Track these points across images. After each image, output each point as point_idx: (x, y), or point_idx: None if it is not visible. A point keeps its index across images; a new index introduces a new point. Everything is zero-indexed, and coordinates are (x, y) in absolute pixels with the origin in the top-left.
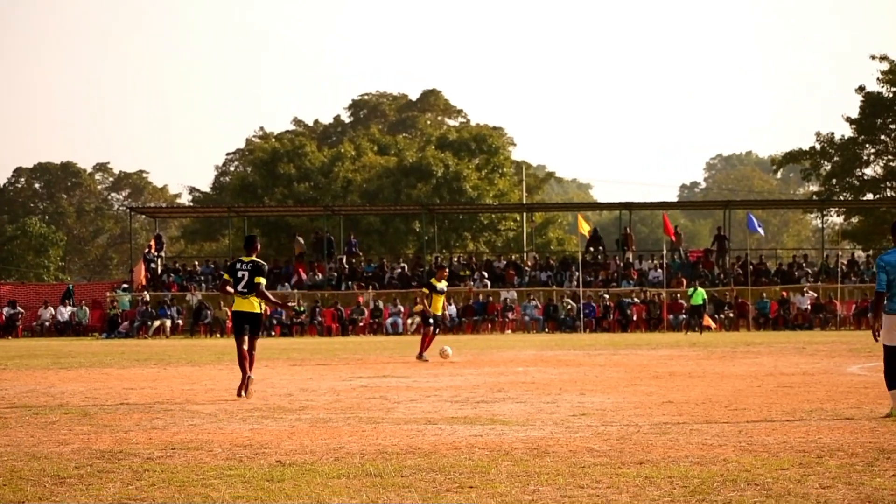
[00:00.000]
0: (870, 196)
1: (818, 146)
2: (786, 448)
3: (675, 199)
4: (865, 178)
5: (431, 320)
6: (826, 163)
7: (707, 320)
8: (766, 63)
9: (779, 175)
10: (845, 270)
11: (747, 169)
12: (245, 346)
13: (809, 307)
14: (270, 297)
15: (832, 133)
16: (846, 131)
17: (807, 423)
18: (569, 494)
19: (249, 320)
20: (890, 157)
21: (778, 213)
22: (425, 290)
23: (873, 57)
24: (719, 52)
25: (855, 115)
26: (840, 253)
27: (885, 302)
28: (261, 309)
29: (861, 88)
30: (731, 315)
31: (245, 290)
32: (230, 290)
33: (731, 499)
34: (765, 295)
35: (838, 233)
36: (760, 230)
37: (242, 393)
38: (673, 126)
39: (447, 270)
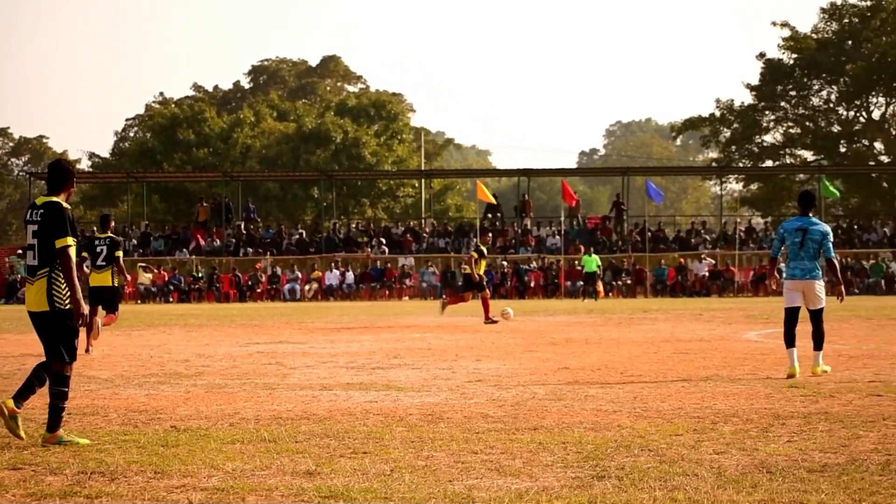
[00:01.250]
0: (769, 163)
1: (718, 113)
2: (680, 414)
3: (574, 165)
4: (765, 144)
5: (485, 282)
6: (725, 130)
7: (599, 286)
8: (666, 29)
9: (678, 142)
10: (743, 237)
11: (646, 136)
12: (98, 319)
13: (707, 274)
14: (124, 268)
15: (732, 100)
16: (746, 98)
17: (702, 389)
18: (462, 460)
19: (105, 294)
20: (790, 124)
21: (677, 180)
22: (475, 255)
23: (774, 23)
24: (618, 18)
25: (755, 81)
26: (738, 220)
27: (784, 268)
28: (115, 283)
29: (762, 55)
30: (629, 282)
31: (103, 264)
32: (87, 270)
33: (625, 464)
34: (663, 262)
35: (737, 200)
36: (659, 197)
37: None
38: (572, 93)
39: (489, 235)
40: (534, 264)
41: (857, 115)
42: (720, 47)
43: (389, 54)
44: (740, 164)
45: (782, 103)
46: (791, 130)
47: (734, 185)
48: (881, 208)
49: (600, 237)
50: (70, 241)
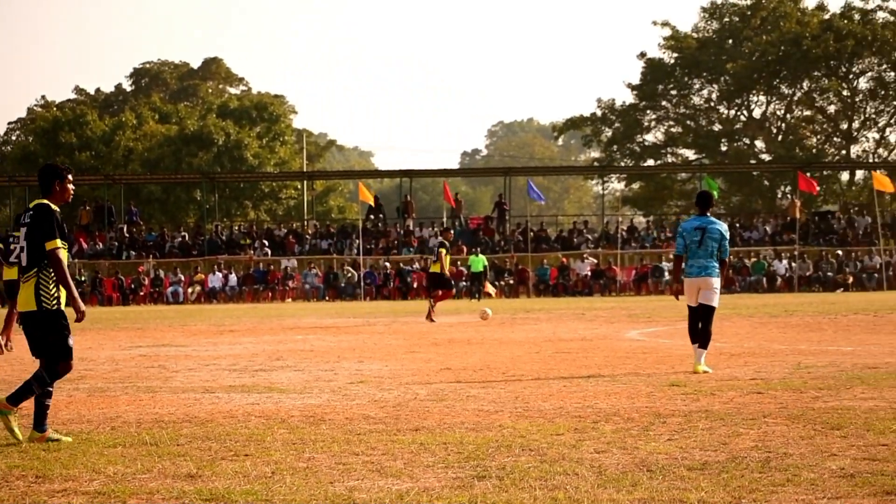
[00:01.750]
0: (650, 162)
1: (599, 113)
2: (562, 413)
3: (456, 166)
4: (646, 144)
5: (452, 282)
6: (607, 129)
7: (487, 287)
8: (547, 29)
9: (560, 142)
10: (625, 236)
11: (528, 136)
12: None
13: (589, 273)
14: None
15: (613, 100)
16: (627, 98)
17: (584, 388)
18: (344, 461)
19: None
20: (671, 123)
21: (559, 180)
22: (443, 251)
23: (655, 23)
24: (499, 18)
25: (636, 81)
26: (620, 219)
27: (684, 267)
28: None
29: (642, 55)
30: (512, 282)
31: (16, 261)
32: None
33: (506, 464)
34: (545, 261)
35: (619, 199)
36: (540, 198)
37: None
38: (454, 93)
39: (451, 232)
40: (416, 265)
41: (738, 113)
42: (601, 47)
43: (271, 56)
44: (622, 164)
45: (663, 102)
46: (672, 129)
47: (616, 185)
48: (762, 206)
49: (483, 237)
50: (59, 243)
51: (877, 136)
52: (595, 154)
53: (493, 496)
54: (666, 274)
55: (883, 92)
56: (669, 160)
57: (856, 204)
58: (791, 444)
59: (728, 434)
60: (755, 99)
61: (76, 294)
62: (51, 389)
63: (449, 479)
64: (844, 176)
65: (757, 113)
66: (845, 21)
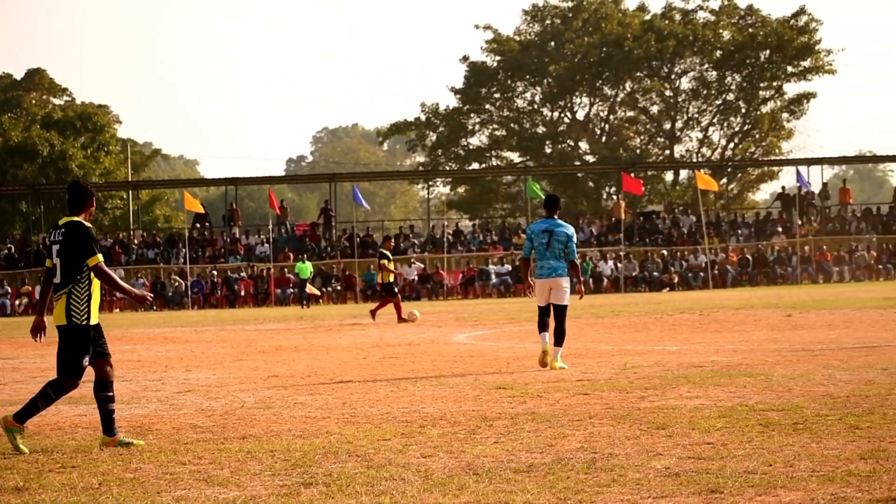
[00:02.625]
0: (475, 165)
1: (423, 117)
2: (389, 418)
3: (281, 173)
4: (471, 147)
5: (396, 288)
6: (432, 133)
7: (311, 288)
8: (371, 34)
9: (385, 147)
10: (451, 240)
11: (353, 141)
12: None
13: (416, 278)
14: None
15: (437, 104)
16: (451, 101)
17: (411, 393)
18: (171, 471)
19: None
20: (495, 126)
21: (385, 185)
22: (385, 261)
23: (477, 26)
24: (323, 22)
25: (460, 85)
26: (446, 223)
27: (534, 268)
28: None
29: (465, 58)
30: (339, 287)
31: None
32: None
33: (332, 470)
34: (372, 267)
35: (444, 203)
36: (365, 203)
37: None
38: (278, 100)
39: (391, 241)
40: (243, 273)
41: (562, 115)
42: (424, 51)
43: (94, 66)
44: (447, 168)
45: (487, 106)
46: (496, 132)
47: (441, 189)
48: (587, 207)
49: (309, 244)
50: (100, 257)
51: (700, 135)
52: (420, 158)
53: (319, 503)
54: (493, 277)
55: (705, 91)
56: (494, 163)
57: (680, 203)
58: (617, 444)
59: (554, 436)
60: (578, 100)
61: (133, 290)
62: (112, 394)
63: (276, 487)
64: (668, 176)
65: (580, 114)
66: (666, 21)
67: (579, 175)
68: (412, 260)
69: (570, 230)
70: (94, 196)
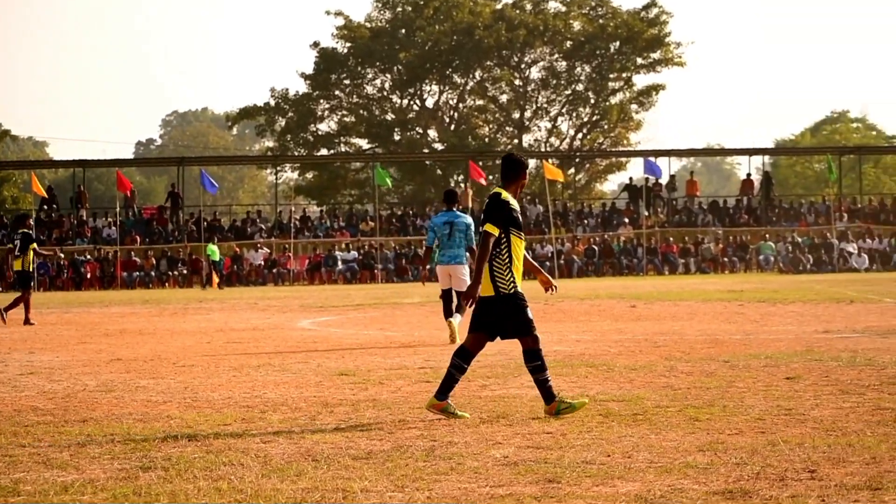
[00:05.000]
0: (324, 151)
1: (273, 102)
2: (230, 403)
3: (130, 155)
4: (320, 133)
5: None
6: (281, 119)
7: (214, 275)
8: (221, 18)
9: (234, 131)
10: (298, 226)
11: (203, 125)
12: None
13: (263, 263)
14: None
15: (287, 89)
16: (301, 87)
17: (253, 378)
18: (10, 454)
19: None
20: (344, 112)
21: (233, 170)
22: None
23: (328, 12)
24: (173, 5)
25: (310, 70)
26: (293, 208)
27: (436, 255)
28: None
29: (316, 44)
30: (185, 272)
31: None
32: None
33: (171, 455)
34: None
35: (292, 188)
36: (213, 188)
37: None
38: (128, 83)
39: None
40: (89, 255)
41: (411, 102)
42: (275, 36)
43: None
44: (295, 153)
45: (337, 92)
46: (346, 119)
47: (290, 174)
48: (435, 195)
49: (156, 227)
50: (493, 229)
51: (549, 125)
52: (269, 143)
53: (157, 487)
54: (339, 263)
55: (554, 81)
56: (343, 149)
57: (528, 193)
58: (456, 432)
59: (394, 423)
60: (428, 88)
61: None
62: None
63: (115, 471)
64: None
65: (430, 102)
66: (517, 11)
67: (427, 163)
68: (259, 244)
69: (469, 220)
70: (526, 168)
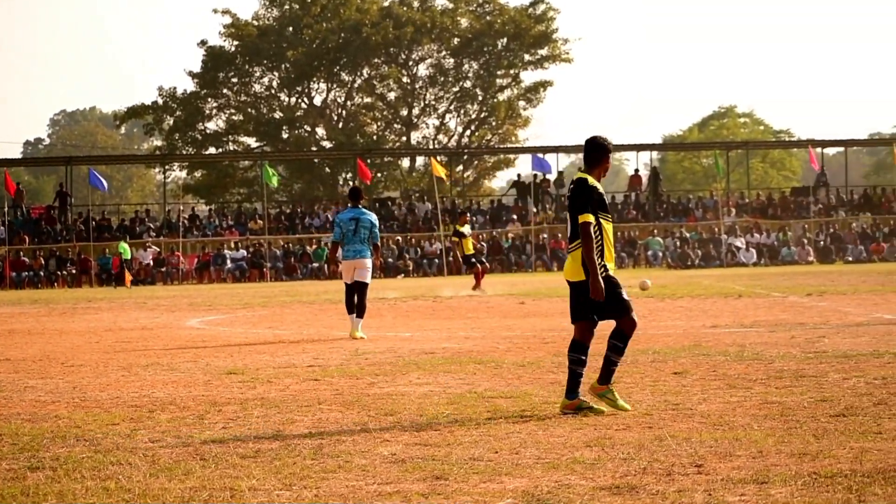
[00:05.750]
0: (212, 150)
1: (161, 101)
2: (118, 403)
3: (18, 155)
4: (208, 132)
5: (473, 260)
6: (169, 117)
7: (128, 274)
8: (107, 17)
9: (122, 130)
10: (187, 225)
11: (91, 125)
12: None
13: (152, 262)
14: None
15: (175, 88)
16: (189, 86)
17: (142, 377)
18: None
19: None
20: (232, 111)
21: (122, 169)
22: (455, 238)
23: (216, 11)
24: (60, 4)
25: (197, 69)
26: (182, 207)
27: (341, 250)
28: None
29: (203, 43)
30: (74, 271)
31: None
32: None
33: (60, 455)
34: (107, 250)
35: (181, 187)
36: (102, 186)
37: None
38: (15, 82)
39: (468, 216)
40: None
41: (299, 101)
42: (162, 35)
43: None
44: (184, 152)
45: (225, 90)
46: (234, 117)
47: (178, 173)
48: (323, 193)
49: (45, 227)
50: (590, 217)
51: (436, 122)
52: (157, 142)
53: (45, 487)
54: (228, 261)
55: (442, 79)
56: (231, 148)
57: (416, 190)
58: (344, 430)
59: (282, 421)
60: (316, 86)
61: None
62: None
63: (2, 471)
64: (405, 163)
65: (318, 100)
66: (405, 8)
67: (316, 161)
68: (148, 243)
69: (374, 217)
70: (610, 152)
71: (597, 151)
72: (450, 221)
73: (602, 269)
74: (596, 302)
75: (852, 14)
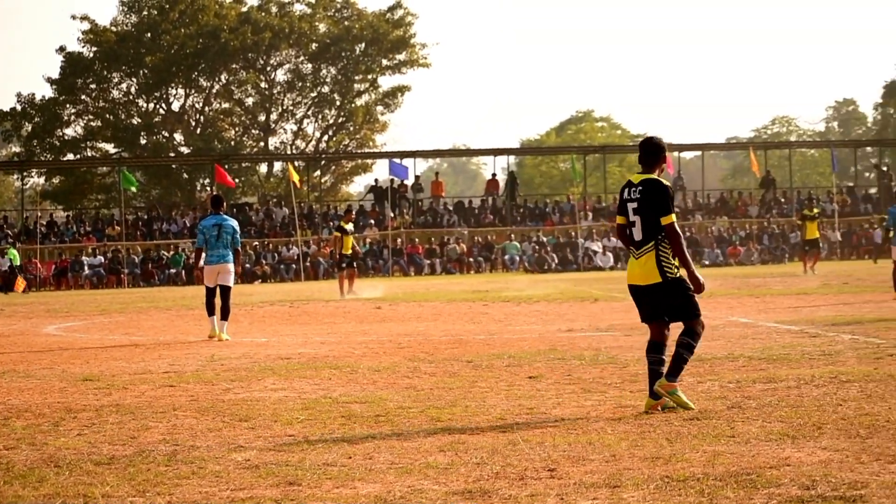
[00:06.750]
0: (70, 156)
1: (19, 107)
2: None
3: None
4: (66, 138)
5: (349, 260)
6: (27, 124)
7: (20, 279)
8: None
9: None
10: (45, 231)
11: None
12: None
13: (8, 268)
14: None
15: (33, 94)
16: (47, 92)
17: None
18: None
19: None
20: (91, 117)
21: None
22: (337, 234)
23: (74, 17)
24: None
25: (56, 75)
26: (40, 214)
27: (205, 256)
28: None
29: (62, 49)
30: None
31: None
32: None
33: None
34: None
35: (39, 193)
36: None
37: None
38: None
39: (353, 214)
40: None
41: (157, 106)
42: (20, 41)
43: None
44: (42, 158)
45: (83, 96)
46: (92, 123)
47: (37, 179)
48: (182, 199)
49: None
50: (672, 217)
51: (294, 127)
52: (15, 149)
53: None
54: (86, 268)
55: (300, 84)
56: (89, 154)
57: (274, 196)
58: (199, 436)
59: (137, 428)
60: (174, 92)
61: (692, 268)
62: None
63: None
64: (263, 168)
65: (176, 106)
66: (263, 13)
67: (174, 167)
68: (4, 251)
69: (235, 224)
70: (665, 152)
71: (654, 153)
72: (306, 226)
73: (676, 271)
74: (669, 303)
75: (711, 18)
